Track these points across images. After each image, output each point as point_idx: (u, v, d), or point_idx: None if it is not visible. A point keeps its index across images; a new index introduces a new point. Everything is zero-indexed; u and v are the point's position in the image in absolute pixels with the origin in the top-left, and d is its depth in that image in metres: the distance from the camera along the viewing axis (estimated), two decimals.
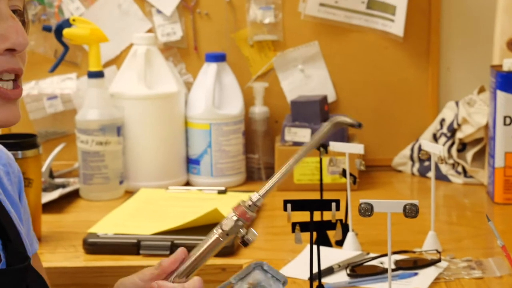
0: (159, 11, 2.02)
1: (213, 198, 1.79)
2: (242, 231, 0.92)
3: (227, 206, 1.67)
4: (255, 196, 0.89)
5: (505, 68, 1.76)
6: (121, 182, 1.87)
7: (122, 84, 1.91)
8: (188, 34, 2.04)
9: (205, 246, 0.95)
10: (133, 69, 1.90)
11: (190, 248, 1.38)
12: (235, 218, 0.88)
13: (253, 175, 2.02)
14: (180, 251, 0.96)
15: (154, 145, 1.91)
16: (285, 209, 1.15)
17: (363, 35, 2.04)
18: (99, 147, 1.82)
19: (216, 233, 0.89)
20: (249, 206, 0.87)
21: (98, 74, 1.85)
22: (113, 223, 1.61)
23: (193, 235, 1.49)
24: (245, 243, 0.94)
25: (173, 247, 1.47)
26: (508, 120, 1.75)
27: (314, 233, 1.18)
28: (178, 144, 1.95)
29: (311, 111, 1.92)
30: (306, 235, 1.19)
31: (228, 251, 1.46)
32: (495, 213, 1.75)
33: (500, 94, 1.75)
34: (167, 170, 1.93)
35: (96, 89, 1.84)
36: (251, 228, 0.95)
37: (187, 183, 1.98)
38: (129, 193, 1.86)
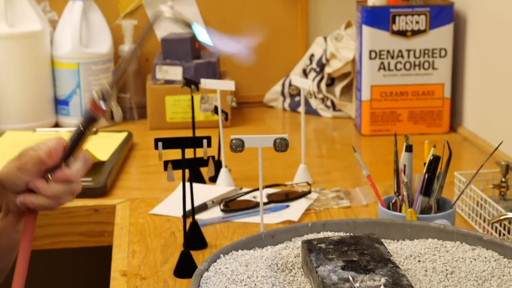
0: None
1: None
2: (112, 107, 0.89)
3: (98, 146, 1.64)
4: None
5: (370, 3, 1.80)
6: None
7: None
8: None
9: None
10: None
11: None
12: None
13: (125, 115, 1.98)
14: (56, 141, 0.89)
15: (19, 86, 1.84)
16: (156, 147, 1.14)
17: None
18: None
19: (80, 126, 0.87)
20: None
21: None
22: None
23: None
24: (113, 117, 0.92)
25: None
26: (373, 54, 1.80)
27: (187, 171, 1.18)
28: (44, 85, 1.89)
29: (182, 48, 1.90)
30: (179, 173, 1.18)
31: (101, 192, 1.44)
32: (363, 144, 1.81)
33: (365, 28, 1.79)
34: (34, 111, 1.87)
35: None
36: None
37: (56, 125, 1.93)
38: None
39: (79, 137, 0.87)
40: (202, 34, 0.83)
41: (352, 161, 1.64)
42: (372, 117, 1.83)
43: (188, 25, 0.81)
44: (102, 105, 0.84)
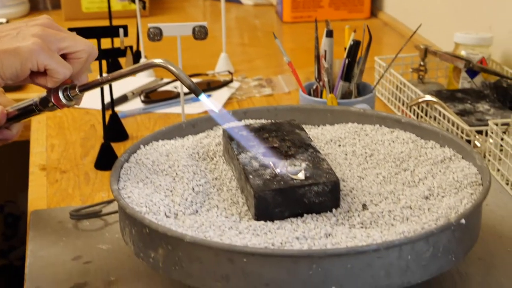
0: None
1: None
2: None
3: None
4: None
5: None
6: None
7: None
8: None
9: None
10: None
11: None
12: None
13: (38, 5, 1.91)
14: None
15: None
16: None
17: None
18: None
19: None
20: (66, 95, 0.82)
21: None
22: None
23: None
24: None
25: None
26: None
27: (104, 61, 1.14)
28: None
29: None
30: (96, 64, 1.15)
31: (16, 86, 1.39)
32: (284, 32, 1.80)
33: None
34: None
35: None
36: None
37: None
38: None
39: (29, 112, 0.84)
40: (209, 104, 0.80)
41: (274, 49, 1.63)
42: (293, 3, 1.81)
43: (195, 92, 0.78)
44: (64, 102, 0.81)
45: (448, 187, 0.80)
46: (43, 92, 0.82)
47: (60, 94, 0.81)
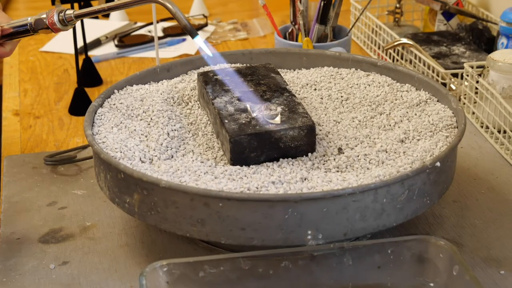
0: None
1: None
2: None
3: None
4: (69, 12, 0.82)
5: None
6: None
7: None
8: None
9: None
10: None
11: None
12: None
13: None
14: None
15: None
16: None
17: None
18: None
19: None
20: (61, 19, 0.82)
21: None
22: None
23: None
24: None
25: None
26: None
27: (76, 4, 1.12)
28: None
29: None
30: (68, 7, 1.13)
31: None
32: None
33: None
34: None
35: None
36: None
37: None
38: None
39: (24, 32, 0.83)
40: (203, 46, 0.79)
41: None
42: None
43: (190, 34, 0.77)
44: (59, 25, 0.82)
45: (424, 130, 0.80)
46: (39, 13, 0.82)
47: (55, 18, 0.81)
